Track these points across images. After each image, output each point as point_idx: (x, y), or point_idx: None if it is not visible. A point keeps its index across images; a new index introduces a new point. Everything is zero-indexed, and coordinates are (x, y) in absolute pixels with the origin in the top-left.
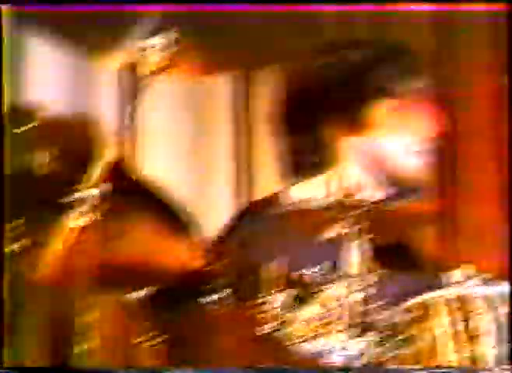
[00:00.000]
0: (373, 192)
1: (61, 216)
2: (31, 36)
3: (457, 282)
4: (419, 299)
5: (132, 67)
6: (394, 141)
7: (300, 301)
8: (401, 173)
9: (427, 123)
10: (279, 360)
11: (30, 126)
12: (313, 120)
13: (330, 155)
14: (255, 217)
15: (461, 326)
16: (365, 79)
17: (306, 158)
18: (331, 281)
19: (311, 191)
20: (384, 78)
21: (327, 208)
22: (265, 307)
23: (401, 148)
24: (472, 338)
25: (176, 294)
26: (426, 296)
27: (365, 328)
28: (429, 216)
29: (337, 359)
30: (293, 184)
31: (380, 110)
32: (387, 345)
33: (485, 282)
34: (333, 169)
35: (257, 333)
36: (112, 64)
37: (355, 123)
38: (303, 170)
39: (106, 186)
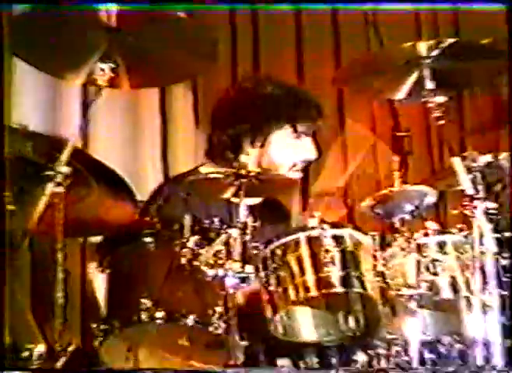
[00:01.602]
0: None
1: (43, 185)
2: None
3: (313, 227)
4: (287, 239)
5: (89, 85)
6: (283, 159)
7: (208, 241)
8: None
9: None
10: (194, 281)
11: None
12: (232, 126)
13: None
14: (177, 184)
15: (315, 257)
16: (275, 110)
17: (218, 150)
18: (228, 228)
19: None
20: (290, 113)
21: (225, 177)
22: (184, 245)
23: (286, 165)
24: (325, 264)
25: (121, 237)
26: (291, 237)
27: (250, 260)
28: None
29: (231, 281)
30: (203, 164)
31: (279, 134)
32: (266, 271)
33: (332, 227)
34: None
35: (179, 263)
36: (75, 82)
37: (260, 137)
38: (213, 156)
39: (72, 165)
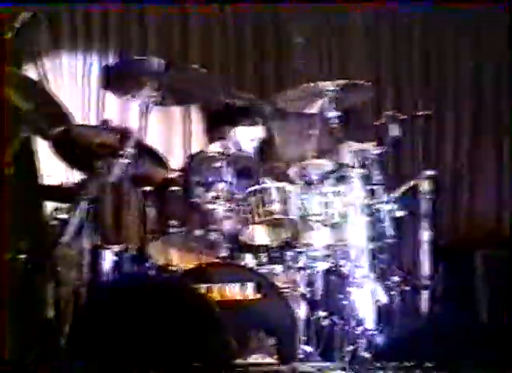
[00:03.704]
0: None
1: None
2: None
3: (265, 182)
4: (251, 188)
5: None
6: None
7: (208, 190)
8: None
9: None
10: (201, 212)
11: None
12: (221, 124)
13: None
14: (193, 158)
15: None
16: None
17: (216, 137)
18: (219, 182)
19: (215, 148)
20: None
21: (217, 155)
22: (194, 192)
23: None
24: (271, 202)
25: (161, 187)
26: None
27: (232, 200)
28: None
29: (221, 213)
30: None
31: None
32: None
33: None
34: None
35: (192, 202)
36: (138, 102)
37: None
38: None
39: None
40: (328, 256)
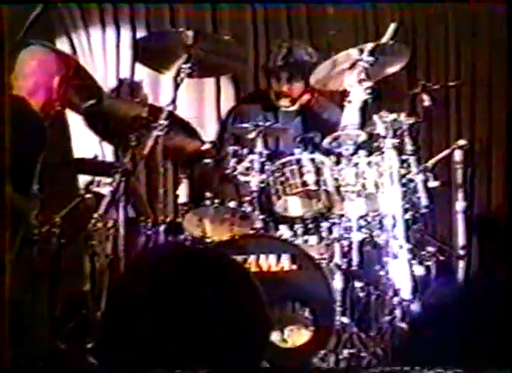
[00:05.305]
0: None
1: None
2: None
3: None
4: (284, 159)
5: (176, 78)
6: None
7: (240, 161)
8: None
9: None
10: (234, 183)
11: None
12: None
13: None
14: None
15: (300, 170)
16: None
17: None
18: (251, 154)
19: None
20: None
21: (250, 127)
22: (227, 164)
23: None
24: (305, 174)
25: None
26: (287, 158)
27: (264, 171)
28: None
29: (254, 184)
30: None
31: None
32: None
33: (308, 153)
34: None
35: (225, 174)
36: (168, 75)
37: None
38: None
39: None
40: (363, 226)
